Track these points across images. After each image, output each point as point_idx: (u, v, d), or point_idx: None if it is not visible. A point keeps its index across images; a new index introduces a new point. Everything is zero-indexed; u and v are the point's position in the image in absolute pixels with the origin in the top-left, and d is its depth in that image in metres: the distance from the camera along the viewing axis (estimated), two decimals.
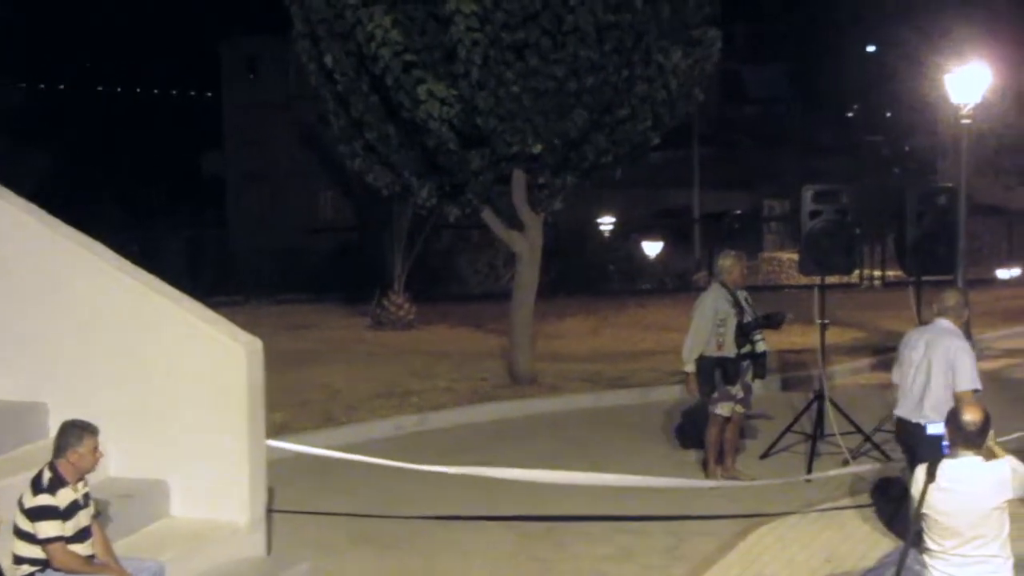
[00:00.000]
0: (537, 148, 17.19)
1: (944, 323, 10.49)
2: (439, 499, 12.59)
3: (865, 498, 12.44)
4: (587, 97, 17.02)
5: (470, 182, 17.88)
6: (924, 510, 7.27)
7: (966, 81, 19.62)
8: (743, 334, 13.19)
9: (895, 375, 10.82)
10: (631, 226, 41.45)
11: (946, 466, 7.29)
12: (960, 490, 7.19)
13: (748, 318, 13.27)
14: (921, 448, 9.86)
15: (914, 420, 10.29)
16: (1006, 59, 23.38)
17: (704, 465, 13.54)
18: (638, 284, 38.32)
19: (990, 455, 7.43)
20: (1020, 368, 17.88)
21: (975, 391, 10.03)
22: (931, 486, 7.24)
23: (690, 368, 13.15)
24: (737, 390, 13.29)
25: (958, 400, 9.26)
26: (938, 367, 10.25)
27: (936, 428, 8.53)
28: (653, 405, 17.63)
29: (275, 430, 12.82)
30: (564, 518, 12.00)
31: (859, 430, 14.33)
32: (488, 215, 18.63)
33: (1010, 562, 7.26)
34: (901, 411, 10.52)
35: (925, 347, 10.41)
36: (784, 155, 44.25)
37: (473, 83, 16.54)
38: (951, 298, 10.66)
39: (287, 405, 16.35)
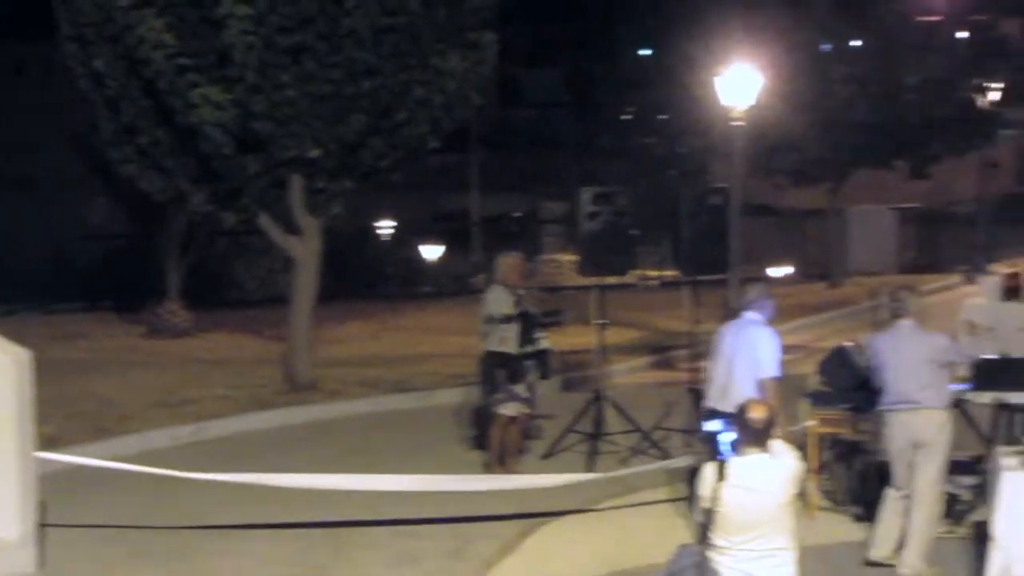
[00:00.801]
0: (314, 152, 17.08)
1: (750, 315, 10.86)
2: (216, 509, 12.38)
3: (646, 495, 12.64)
4: (364, 101, 16.96)
5: (246, 187, 17.68)
6: (714, 507, 7.42)
7: (737, 84, 20.11)
8: (525, 332, 13.29)
9: (710, 369, 11.09)
10: (410, 230, 41.45)
11: (736, 464, 7.46)
12: (750, 487, 7.37)
13: (531, 318, 13.40)
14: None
15: (721, 410, 10.57)
16: (776, 61, 24.03)
17: (487, 466, 13.60)
18: (418, 288, 38.35)
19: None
20: (794, 363, 18.34)
21: (776, 379, 10.53)
22: (721, 484, 7.40)
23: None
24: (522, 389, 13.39)
25: (751, 400, 9.50)
26: (742, 359, 10.58)
27: (713, 426, 8.71)
28: (435, 408, 17.68)
29: (45, 443, 12.46)
30: (343, 523, 11.90)
31: (638, 428, 14.57)
32: (265, 221, 18.44)
33: (795, 554, 7.47)
34: (711, 402, 10.84)
35: (731, 340, 10.75)
36: (562, 158, 44.71)
37: (248, 87, 16.37)
38: (752, 291, 11.04)
39: (58, 417, 15.89)
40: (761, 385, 10.66)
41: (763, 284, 11.81)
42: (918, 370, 10.30)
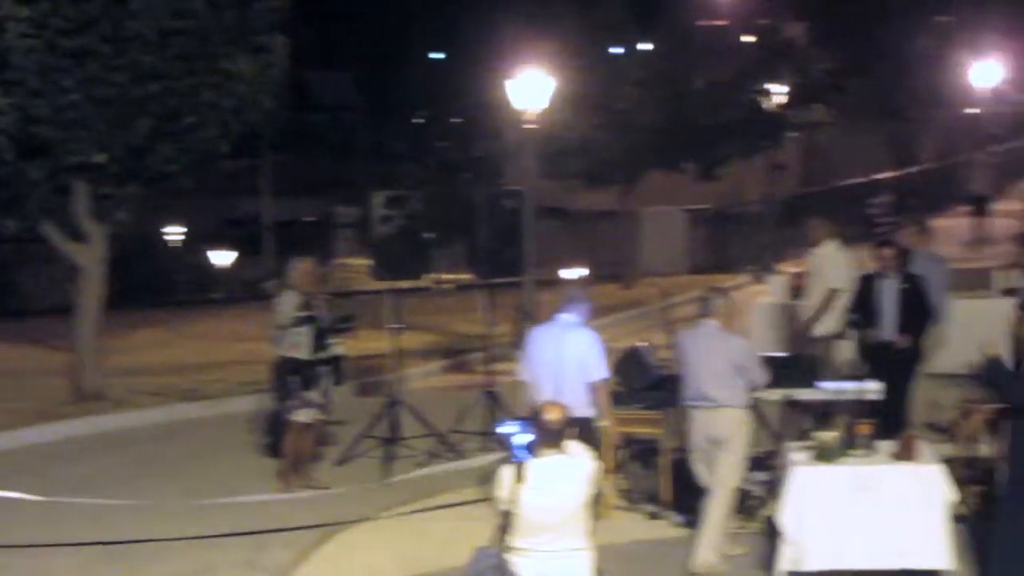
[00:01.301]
0: (100, 157, 16.72)
1: (566, 317, 11.18)
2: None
3: (443, 499, 12.67)
4: (151, 104, 16.67)
5: (28, 194, 17.21)
6: (512, 509, 7.43)
7: (528, 87, 20.25)
8: (318, 337, 13.21)
9: (533, 375, 11.16)
10: (201, 236, 40.83)
11: (533, 466, 7.50)
12: (547, 488, 7.41)
13: (323, 323, 13.33)
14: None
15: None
16: (566, 64, 24.25)
17: (282, 474, 13.47)
18: (209, 294, 37.80)
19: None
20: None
21: (605, 379, 10.94)
22: (519, 486, 7.42)
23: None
24: (315, 396, 13.28)
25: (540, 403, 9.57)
26: (570, 363, 10.90)
27: (508, 428, 8.71)
28: (229, 416, 17.43)
29: None
30: (134, 541, 11.65)
31: (434, 432, 14.59)
32: (48, 227, 17.98)
33: (592, 554, 7.53)
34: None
35: (554, 344, 11.00)
36: (355, 162, 44.57)
37: (29, 91, 15.95)
38: (569, 293, 11.28)
39: None
40: (592, 387, 10.82)
41: (578, 286, 12.00)
42: (717, 370, 10.57)
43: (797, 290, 15.83)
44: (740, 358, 10.66)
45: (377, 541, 11.60)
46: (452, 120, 37.95)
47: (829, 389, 11.57)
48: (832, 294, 14.28)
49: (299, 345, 13.04)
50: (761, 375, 10.83)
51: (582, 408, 10.46)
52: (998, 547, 9.55)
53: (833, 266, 14.49)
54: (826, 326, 14.38)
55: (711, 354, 10.66)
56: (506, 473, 7.57)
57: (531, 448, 7.62)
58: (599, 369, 10.93)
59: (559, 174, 31.42)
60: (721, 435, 10.66)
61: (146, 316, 29.40)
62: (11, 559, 11.25)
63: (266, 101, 18.13)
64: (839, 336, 14.36)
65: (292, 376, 13.02)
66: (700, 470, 10.74)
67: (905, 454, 9.97)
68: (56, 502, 11.53)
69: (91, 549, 11.46)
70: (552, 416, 7.59)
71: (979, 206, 32.73)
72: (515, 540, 7.51)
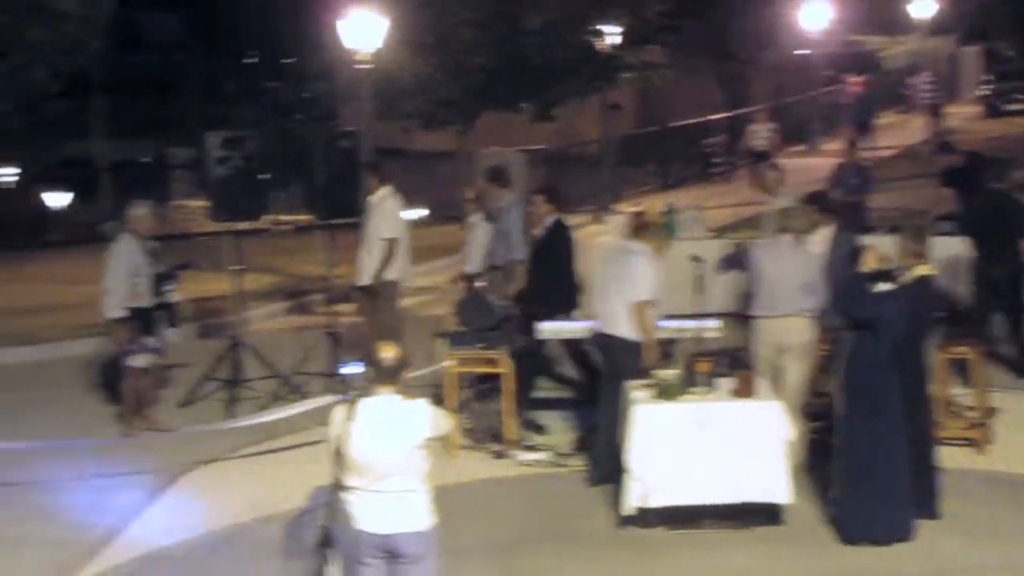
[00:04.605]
0: None
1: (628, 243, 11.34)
2: None
3: (289, 441, 12.60)
4: None
5: None
6: (343, 448, 7.39)
7: (360, 27, 20.00)
8: (158, 283, 13.04)
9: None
10: (34, 177, 39.93)
11: (365, 404, 7.44)
12: (379, 428, 7.35)
13: (160, 268, 13.15)
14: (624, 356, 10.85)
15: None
16: (400, 4, 24.04)
17: (124, 418, 13.29)
18: (44, 237, 37.01)
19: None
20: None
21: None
22: (349, 424, 7.37)
23: (116, 314, 12.80)
24: (152, 341, 13.12)
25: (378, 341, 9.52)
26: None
27: (349, 368, 8.66)
28: (65, 360, 17.09)
29: None
30: None
31: (277, 374, 14.50)
32: None
33: (427, 496, 7.49)
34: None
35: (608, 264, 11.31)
36: (187, 103, 43.84)
37: None
38: None
39: None
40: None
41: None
42: (793, 281, 11.05)
43: (639, 229, 15.97)
44: (815, 270, 11.07)
45: (224, 483, 11.52)
46: (284, 60, 37.48)
47: (670, 327, 11.70)
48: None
49: (140, 289, 12.84)
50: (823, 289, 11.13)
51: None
52: (837, 468, 9.86)
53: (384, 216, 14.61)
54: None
55: (788, 265, 11.07)
56: (338, 412, 7.52)
57: (365, 386, 7.54)
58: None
59: (395, 115, 31.20)
60: (793, 343, 11.02)
61: None
62: None
63: (94, 41, 17.75)
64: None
65: (134, 320, 12.82)
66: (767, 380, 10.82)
67: (744, 391, 10.17)
68: None
69: None
70: (387, 353, 7.53)
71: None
72: (346, 479, 7.46)
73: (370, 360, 7.51)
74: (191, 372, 14.84)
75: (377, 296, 14.46)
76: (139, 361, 13.03)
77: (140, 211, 13.14)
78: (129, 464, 11.95)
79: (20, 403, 14.93)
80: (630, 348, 10.96)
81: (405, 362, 7.62)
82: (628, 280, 11.01)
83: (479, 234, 15.28)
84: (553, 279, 13.03)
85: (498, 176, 15.26)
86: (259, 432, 12.99)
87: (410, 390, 7.61)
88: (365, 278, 14.47)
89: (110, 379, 14.31)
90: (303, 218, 20.50)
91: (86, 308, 18.23)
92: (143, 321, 12.91)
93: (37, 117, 19.61)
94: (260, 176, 14.22)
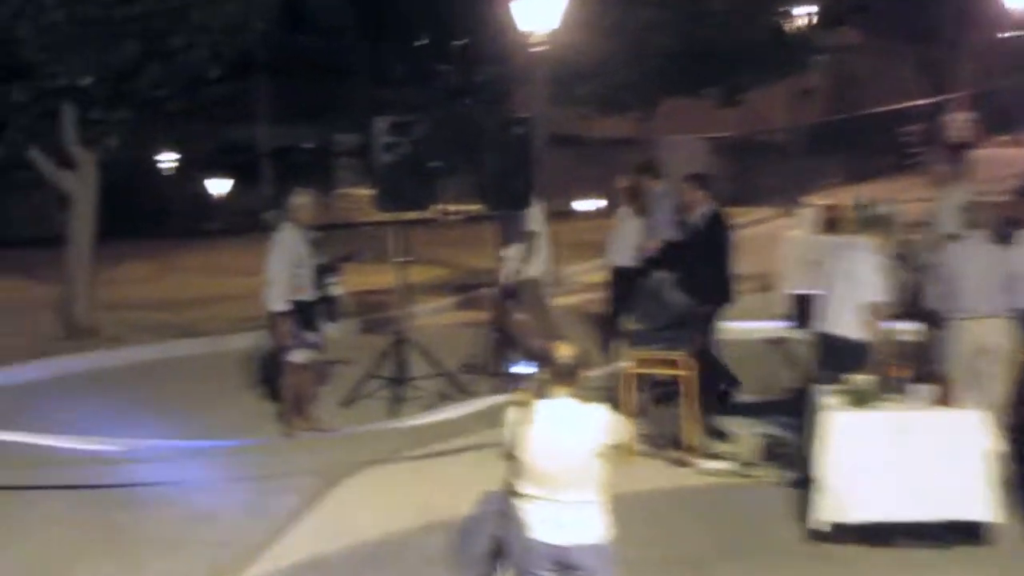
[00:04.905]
0: (86, 81, 16.56)
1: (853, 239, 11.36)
2: None
3: (454, 442, 12.59)
4: (138, 25, 16.48)
5: (12, 118, 17.09)
6: (518, 453, 7.32)
7: (536, 8, 19.95)
8: (319, 276, 13.11)
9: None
10: (195, 163, 40.70)
11: (541, 407, 7.35)
12: (555, 433, 7.27)
13: (324, 259, 13.21)
14: (847, 357, 10.71)
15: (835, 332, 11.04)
16: None
17: (284, 417, 13.39)
18: (205, 225, 37.71)
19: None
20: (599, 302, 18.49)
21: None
22: (525, 428, 7.29)
23: (278, 307, 12.89)
24: (313, 336, 13.18)
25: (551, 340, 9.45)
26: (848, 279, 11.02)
27: (520, 367, 8.57)
28: (227, 355, 17.32)
29: None
30: (133, 485, 11.59)
31: (443, 372, 14.50)
32: (35, 154, 17.86)
33: (606, 505, 7.38)
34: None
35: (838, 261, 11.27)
36: (352, 86, 44.23)
37: (11, 12, 15.77)
38: None
39: None
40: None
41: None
42: (991, 280, 11.02)
43: (831, 223, 15.73)
44: (1017, 268, 10.99)
45: (387, 486, 11.54)
46: (454, 43, 37.62)
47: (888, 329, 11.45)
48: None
49: (301, 285, 12.91)
50: None
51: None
52: None
53: None
54: None
55: (983, 263, 10.99)
56: (512, 414, 7.45)
57: (541, 388, 7.45)
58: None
59: (571, 100, 31.15)
60: (993, 346, 10.90)
61: (140, 248, 29.34)
62: (5, 504, 11.21)
63: (257, 22, 17.95)
64: None
65: (296, 314, 12.88)
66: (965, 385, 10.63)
67: (944, 399, 9.86)
68: (48, 443, 11.44)
69: (85, 492, 11.40)
70: (565, 353, 7.44)
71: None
72: (521, 486, 7.39)
73: (545, 360, 7.42)
74: (353, 369, 14.94)
75: (520, 294, 14.48)
76: (299, 357, 13.09)
77: (303, 199, 13.20)
78: (289, 465, 12.03)
79: (178, 400, 15.16)
80: (855, 349, 10.75)
81: (582, 362, 7.52)
82: (858, 279, 10.84)
83: (627, 227, 15.24)
84: (709, 272, 12.86)
85: (649, 167, 15.28)
86: (424, 433, 12.99)
87: (586, 393, 7.50)
88: (505, 275, 14.56)
89: (270, 375, 14.46)
90: (472, 208, 20.44)
91: (246, 300, 18.50)
92: (304, 315, 12.98)
93: (197, 101, 19.88)
94: (429, 163, 14.22)
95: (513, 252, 14.71)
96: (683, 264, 13.10)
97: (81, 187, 18.02)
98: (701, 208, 13.18)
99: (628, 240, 15.32)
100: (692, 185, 13.43)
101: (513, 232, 14.81)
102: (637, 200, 15.29)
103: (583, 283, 21.80)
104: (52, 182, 18.64)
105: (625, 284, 14.62)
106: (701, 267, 12.93)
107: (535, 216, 14.80)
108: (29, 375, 16.46)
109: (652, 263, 14.18)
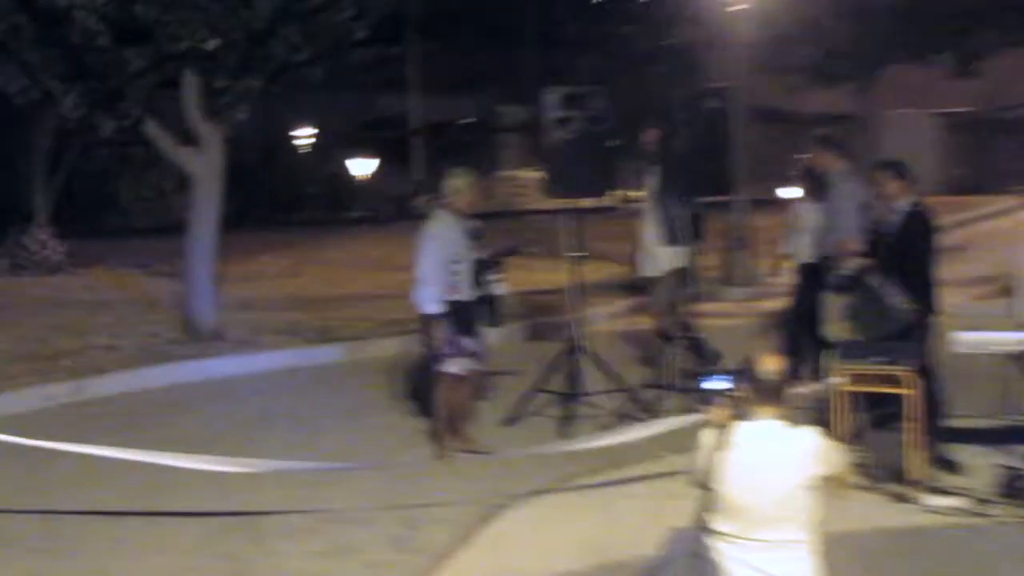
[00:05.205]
0: (212, 44, 16.82)
1: None
2: (101, 488, 12.25)
3: (637, 471, 12.55)
4: None
5: (128, 87, 17.42)
6: (714, 485, 7.29)
7: None
8: (479, 273, 13.14)
9: None
10: (336, 141, 41.16)
11: (742, 431, 7.31)
12: (758, 461, 7.23)
13: (484, 253, 13.25)
14: None
15: None
16: None
17: (436, 436, 13.47)
18: (346, 212, 38.14)
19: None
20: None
21: None
22: (723, 455, 7.26)
23: (430, 309, 12.95)
24: (471, 343, 13.22)
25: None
26: None
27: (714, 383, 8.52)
28: (370, 363, 17.53)
29: None
30: (259, 512, 11.76)
31: (623, 387, 14.48)
32: (153, 129, 18.20)
33: (817, 546, 7.33)
34: None
35: None
36: (519, 52, 44.48)
37: None
38: None
39: None
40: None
41: None
42: None
43: None
44: None
45: (553, 520, 11.53)
46: (639, 1, 37.63)
47: None
48: None
49: (457, 283, 12.98)
50: None
51: None
52: None
53: None
54: None
55: None
56: (706, 438, 7.42)
57: (742, 408, 7.43)
58: None
59: (777, 69, 31.01)
60: None
61: (271, 238, 29.80)
62: (118, 529, 11.44)
63: None
64: None
65: (450, 317, 12.93)
66: None
67: None
68: (164, 463, 11.64)
69: (205, 521, 11.58)
70: (770, 367, 7.40)
71: None
72: (717, 522, 7.36)
73: (748, 376, 7.39)
74: (517, 382, 14.99)
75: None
76: (455, 367, 13.15)
77: (460, 183, 13.25)
78: (440, 492, 12.10)
79: (313, 414, 15.36)
80: None
81: (788, 377, 7.48)
82: None
83: (805, 215, 15.09)
84: (912, 277, 12.67)
85: (829, 142, 14.95)
86: (599, 458, 12.95)
87: (793, 413, 7.45)
88: (648, 268, 14.51)
89: (420, 388, 14.56)
90: None
91: (393, 300, 18.69)
92: (461, 318, 13.02)
93: (339, 68, 20.09)
94: (608, 142, 14.22)
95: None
96: (894, 266, 12.93)
97: (204, 167, 18.31)
98: (899, 201, 12.96)
99: (804, 231, 15.17)
100: (888, 174, 13.17)
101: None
102: (812, 182, 15.08)
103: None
104: (171, 161, 18.97)
105: (812, 284, 14.54)
106: (896, 271, 12.76)
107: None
108: (143, 382, 16.80)
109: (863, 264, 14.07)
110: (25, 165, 27.02)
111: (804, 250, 15.14)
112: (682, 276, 15.10)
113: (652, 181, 15.12)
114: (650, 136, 15.04)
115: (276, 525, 11.50)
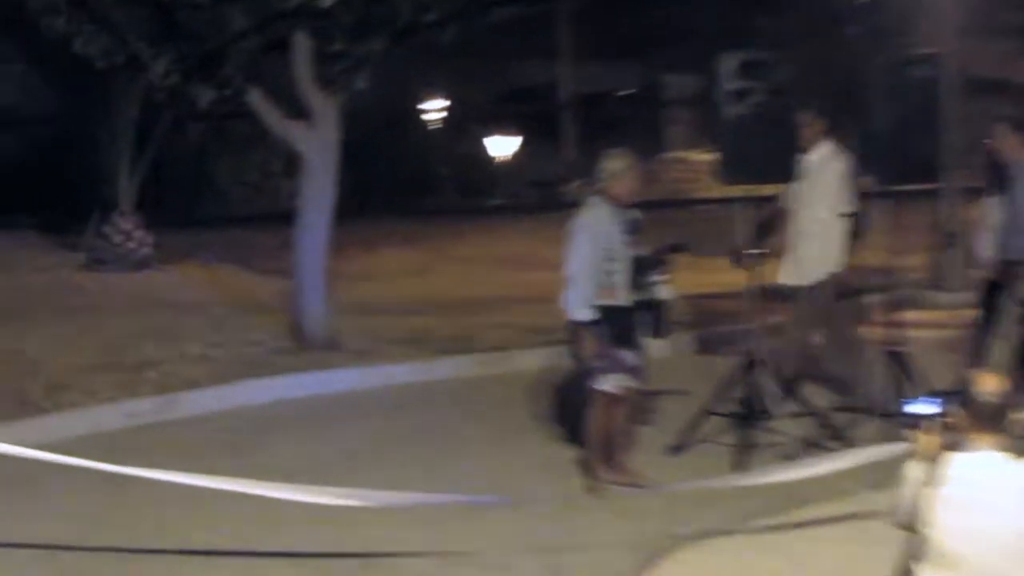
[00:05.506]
0: (327, 1, 16.91)
1: None
2: (191, 523, 12.35)
3: (827, 510, 12.43)
4: None
5: (228, 51, 17.55)
6: (923, 530, 7.18)
7: None
8: (639, 273, 13.06)
9: None
10: (471, 115, 41.35)
11: (958, 464, 7.19)
12: (978, 499, 7.10)
13: (646, 250, 13.17)
14: None
15: None
16: None
17: (586, 466, 13.42)
18: (483, 199, 38.31)
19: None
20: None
21: None
22: (934, 494, 7.15)
23: (581, 315, 12.89)
24: (630, 356, 13.14)
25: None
26: None
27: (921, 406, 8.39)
28: (509, 377, 17.56)
29: None
30: (373, 554, 11.80)
31: (811, 411, 14.37)
32: (257, 100, 18.32)
33: None
34: None
35: None
36: (691, 9, 44.46)
37: None
38: None
39: None
40: None
41: None
42: None
43: None
44: None
45: (728, 566, 11.48)
46: None
47: None
48: None
49: (615, 280, 12.91)
50: None
51: None
52: None
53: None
54: None
55: None
56: (912, 472, 7.31)
57: (957, 437, 7.30)
58: None
59: (998, 31, 30.72)
60: None
61: (395, 229, 29.97)
62: (213, 569, 11.56)
63: None
64: None
65: (604, 326, 12.87)
66: None
67: None
68: (266, 495, 11.68)
69: (315, 562, 11.62)
70: (990, 388, 7.27)
71: None
72: (926, 574, 7.24)
73: (964, 398, 7.26)
74: (685, 403, 14.91)
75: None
76: (610, 384, 13.09)
77: (618, 166, 13.17)
78: (594, 533, 12.06)
79: (440, 437, 15.39)
80: None
81: (1012, 401, 7.33)
82: None
83: (989, 211, 14.94)
84: None
85: (1016, 125, 14.75)
86: (782, 494, 12.82)
87: (1018, 444, 7.31)
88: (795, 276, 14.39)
89: (568, 409, 14.53)
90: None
91: (538, 304, 18.67)
92: (618, 326, 12.95)
93: (475, 31, 20.13)
94: (793, 118, 14.16)
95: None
96: None
97: (317, 145, 18.41)
98: None
99: (990, 229, 15.01)
100: None
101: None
102: (995, 172, 14.90)
103: None
104: (278, 138, 19.09)
105: (996, 289, 14.43)
106: None
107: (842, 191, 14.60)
108: (245, 399, 16.93)
109: None
110: (107, 144, 27.29)
111: (988, 252, 15.05)
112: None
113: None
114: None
115: (393, 570, 11.52)
